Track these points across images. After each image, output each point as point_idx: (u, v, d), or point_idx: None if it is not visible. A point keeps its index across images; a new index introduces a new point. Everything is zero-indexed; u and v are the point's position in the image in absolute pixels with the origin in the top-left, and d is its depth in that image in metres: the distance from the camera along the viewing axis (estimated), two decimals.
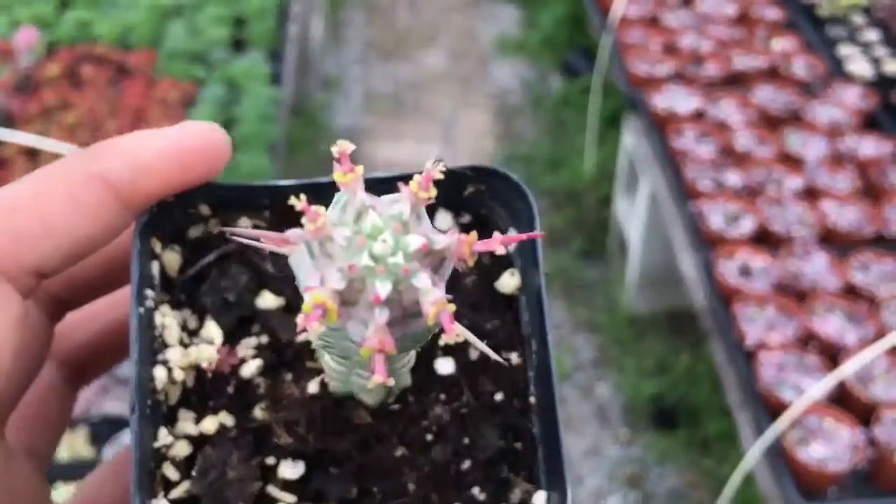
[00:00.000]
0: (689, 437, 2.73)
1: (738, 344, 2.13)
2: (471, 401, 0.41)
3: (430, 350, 0.42)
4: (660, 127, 2.75)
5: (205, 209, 0.43)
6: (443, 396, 0.42)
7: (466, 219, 0.45)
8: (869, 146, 2.62)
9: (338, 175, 0.33)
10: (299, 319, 0.31)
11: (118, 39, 2.89)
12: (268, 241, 0.34)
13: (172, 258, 0.42)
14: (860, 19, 3.18)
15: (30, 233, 0.35)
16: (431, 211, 0.43)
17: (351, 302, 0.32)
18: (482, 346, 0.35)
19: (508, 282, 0.43)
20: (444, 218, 0.44)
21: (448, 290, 0.33)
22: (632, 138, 2.96)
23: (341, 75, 4.27)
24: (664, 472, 2.70)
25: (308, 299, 0.31)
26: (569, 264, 3.30)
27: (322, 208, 0.32)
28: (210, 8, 3.00)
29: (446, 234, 0.33)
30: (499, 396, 0.42)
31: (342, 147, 0.33)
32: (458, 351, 0.42)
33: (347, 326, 0.33)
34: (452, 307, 0.31)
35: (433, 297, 0.31)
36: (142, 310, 0.40)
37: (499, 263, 0.43)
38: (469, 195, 0.43)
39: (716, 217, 2.42)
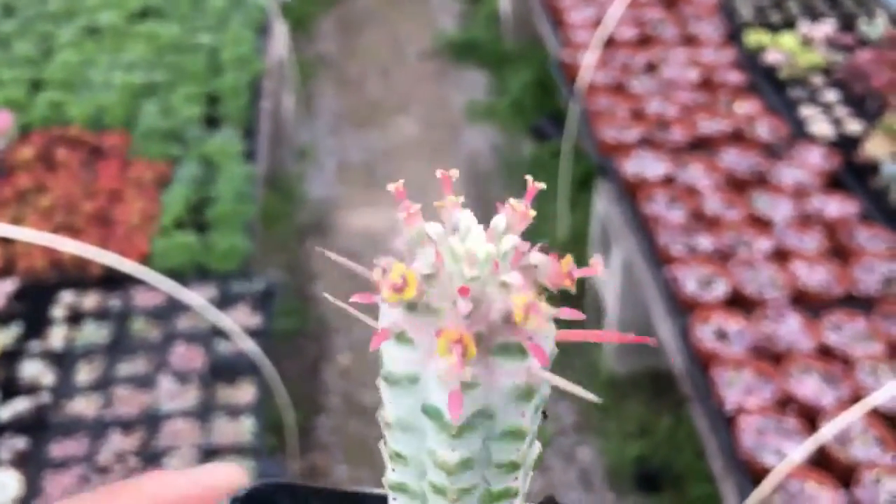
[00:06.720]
0: (673, 500, 2.72)
1: (718, 409, 2.14)
2: None
3: None
4: (631, 192, 2.79)
5: None
6: None
7: None
8: (834, 206, 2.68)
9: (401, 216, 0.31)
10: (443, 371, 0.27)
11: (92, 120, 2.90)
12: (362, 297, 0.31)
13: None
14: (819, 80, 3.28)
15: None
16: None
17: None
18: (562, 382, 0.31)
19: None
20: None
21: None
22: (604, 204, 3.00)
23: (314, 146, 4.31)
24: None
25: (442, 340, 0.27)
26: None
27: (404, 268, 0.29)
28: (183, 87, 3.03)
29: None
30: None
31: (398, 185, 0.31)
32: None
33: None
34: (547, 310, 0.27)
35: (523, 296, 0.28)
36: None
37: None
38: None
39: (690, 282, 2.45)
